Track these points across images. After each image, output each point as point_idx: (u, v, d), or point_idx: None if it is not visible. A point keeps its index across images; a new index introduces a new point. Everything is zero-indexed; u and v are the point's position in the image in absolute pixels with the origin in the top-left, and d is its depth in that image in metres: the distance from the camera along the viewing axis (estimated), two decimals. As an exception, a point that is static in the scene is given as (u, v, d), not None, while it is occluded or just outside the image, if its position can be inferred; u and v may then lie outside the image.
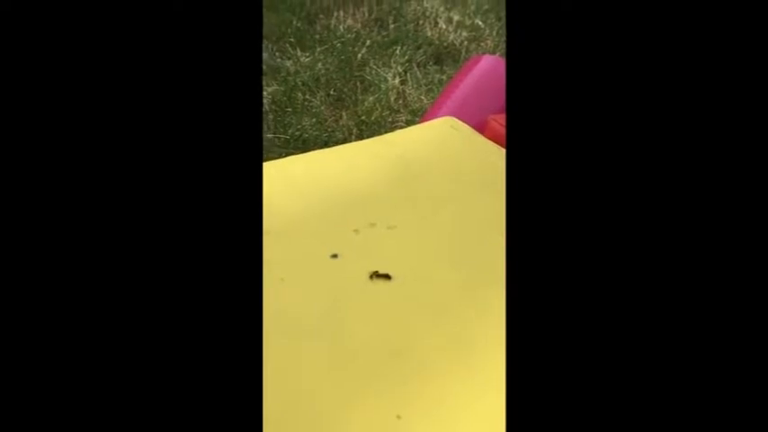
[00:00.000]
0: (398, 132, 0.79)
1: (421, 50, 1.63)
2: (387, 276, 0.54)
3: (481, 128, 0.81)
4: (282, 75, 1.47)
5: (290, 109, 1.38)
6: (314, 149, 0.73)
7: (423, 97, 1.48)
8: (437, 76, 1.55)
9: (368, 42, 1.62)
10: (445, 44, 1.68)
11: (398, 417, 0.43)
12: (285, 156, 0.72)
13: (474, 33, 1.74)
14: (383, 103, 1.44)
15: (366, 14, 1.75)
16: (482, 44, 1.71)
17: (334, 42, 1.60)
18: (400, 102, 1.47)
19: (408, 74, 1.54)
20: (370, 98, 1.44)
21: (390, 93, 1.47)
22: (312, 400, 0.43)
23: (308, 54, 1.56)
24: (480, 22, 1.78)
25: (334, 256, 0.56)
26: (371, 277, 0.54)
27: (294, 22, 1.65)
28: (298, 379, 0.44)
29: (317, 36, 1.63)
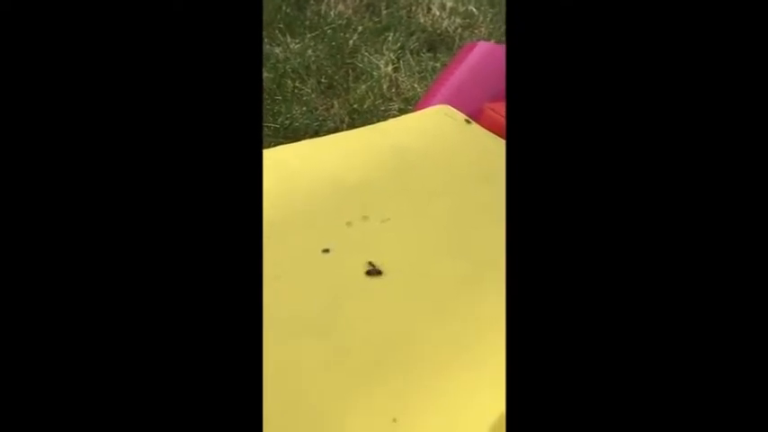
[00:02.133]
0: (392, 121, 0.76)
1: (414, 37, 1.60)
2: (378, 272, 0.52)
3: (477, 116, 0.79)
4: (272, 62, 1.43)
5: (279, 97, 1.35)
6: (305, 139, 0.71)
7: (416, 85, 1.45)
8: (430, 63, 1.52)
9: (359, 29, 1.59)
10: (438, 31, 1.65)
11: (394, 420, 0.41)
12: (275, 145, 0.70)
13: (468, 20, 1.71)
14: (375, 91, 1.41)
15: (357, 0, 1.71)
16: (476, 31, 1.68)
17: (325, 29, 1.57)
18: (393, 90, 1.44)
19: (401, 61, 1.52)
20: (362, 86, 1.42)
21: (383, 80, 1.44)
22: (308, 401, 0.41)
23: (297, 40, 1.52)
24: (474, 9, 1.75)
25: (326, 250, 0.54)
26: (368, 273, 0.52)
27: (284, 8, 1.62)
28: (294, 379, 0.42)
29: (308, 22, 1.59)
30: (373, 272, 0.52)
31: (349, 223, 0.57)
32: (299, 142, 0.69)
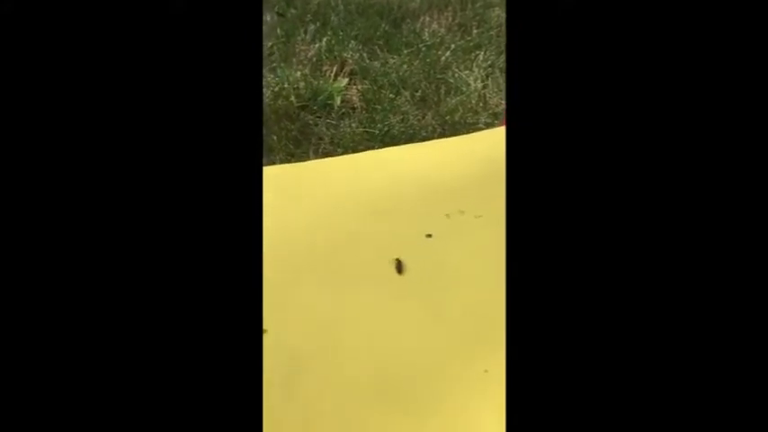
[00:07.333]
0: (485, 132, 0.85)
1: (504, 56, 1.68)
2: (400, 265, 0.60)
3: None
4: (372, 75, 1.56)
5: (378, 107, 1.47)
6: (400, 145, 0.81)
7: (503, 101, 1.53)
8: (518, 81, 1.59)
9: (452, 47, 1.69)
10: (527, 50, 1.72)
11: (486, 371, 0.50)
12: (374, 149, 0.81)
13: (556, 41, 1.77)
14: (465, 105, 1.50)
15: (450, 19, 1.81)
16: (563, 52, 1.74)
17: (420, 46, 1.68)
18: (481, 104, 1.53)
19: (490, 78, 1.60)
20: (453, 100, 1.51)
21: (472, 95, 1.54)
22: (412, 349, 0.51)
23: (394, 56, 1.64)
24: (563, 30, 1.80)
25: (429, 236, 0.64)
26: (396, 268, 0.60)
27: (382, 26, 1.74)
28: (398, 334, 0.52)
29: (404, 39, 1.71)
30: (399, 264, 0.61)
31: (448, 215, 0.67)
32: (398, 146, 0.80)
